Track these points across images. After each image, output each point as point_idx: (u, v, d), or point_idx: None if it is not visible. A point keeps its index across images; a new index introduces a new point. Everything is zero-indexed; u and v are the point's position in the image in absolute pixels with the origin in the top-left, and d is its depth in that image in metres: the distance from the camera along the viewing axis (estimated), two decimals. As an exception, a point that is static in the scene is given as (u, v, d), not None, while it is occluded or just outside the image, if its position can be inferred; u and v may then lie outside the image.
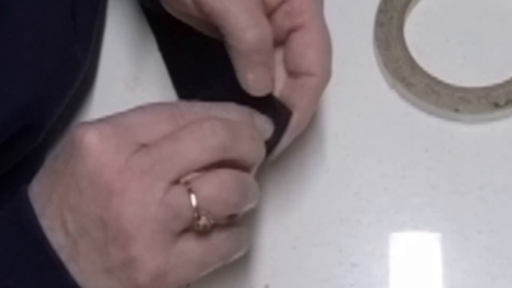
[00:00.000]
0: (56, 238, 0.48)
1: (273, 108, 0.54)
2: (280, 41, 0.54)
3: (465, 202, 0.59)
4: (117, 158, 0.47)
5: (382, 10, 0.65)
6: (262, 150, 0.51)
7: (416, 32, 0.65)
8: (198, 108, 0.51)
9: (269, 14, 0.53)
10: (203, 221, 0.47)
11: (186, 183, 0.48)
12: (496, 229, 0.58)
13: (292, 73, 0.54)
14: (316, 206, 0.60)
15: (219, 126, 0.49)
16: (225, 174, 0.48)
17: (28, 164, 0.63)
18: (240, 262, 0.58)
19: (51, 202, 0.48)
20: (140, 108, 0.50)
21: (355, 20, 0.66)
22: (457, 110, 0.61)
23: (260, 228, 0.60)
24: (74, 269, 0.48)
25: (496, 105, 0.61)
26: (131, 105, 0.66)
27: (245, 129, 0.50)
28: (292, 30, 0.53)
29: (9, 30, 0.56)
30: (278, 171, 0.62)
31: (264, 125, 0.53)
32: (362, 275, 0.58)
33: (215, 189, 0.48)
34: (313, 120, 0.63)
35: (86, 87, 0.67)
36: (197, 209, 0.47)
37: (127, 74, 0.67)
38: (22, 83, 0.56)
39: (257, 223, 0.60)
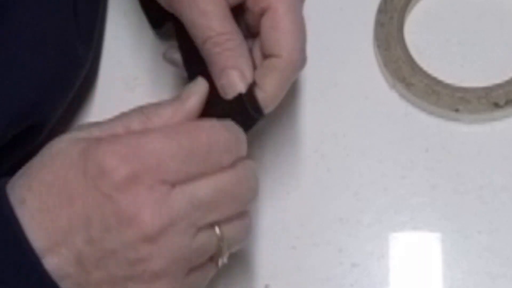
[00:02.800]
0: (65, 268, 0.47)
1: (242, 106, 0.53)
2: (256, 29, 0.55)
3: (465, 202, 0.59)
4: (152, 199, 0.47)
5: (382, 10, 0.65)
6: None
7: (416, 32, 0.65)
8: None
9: (241, 3, 0.54)
10: (221, 261, 0.50)
11: (213, 224, 0.49)
12: (496, 229, 0.58)
13: (263, 56, 0.54)
14: (316, 206, 0.60)
15: (252, 169, 0.51)
16: (247, 220, 0.51)
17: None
18: (240, 262, 0.59)
19: (60, 228, 0.47)
20: (165, 135, 0.48)
21: (355, 20, 0.66)
22: (457, 110, 0.61)
23: (260, 228, 0.60)
24: None
25: (496, 105, 0.61)
26: (131, 105, 0.66)
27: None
28: (261, 15, 0.54)
29: (11, 29, 0.56)
30: (278, 171, 0.62)
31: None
32: (362, 275, 0.58)
33: (240, 233, 0.50)
34: (313, 120, 0.63)
35: (87, 86, 0.67)
36: (220, 248, 0.49)
37: (127, 74, 0.67)
38: (25, 83, 0.56)
39: (257, 223, 0.60)
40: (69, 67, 0.61)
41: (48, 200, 0.47)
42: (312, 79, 0.64)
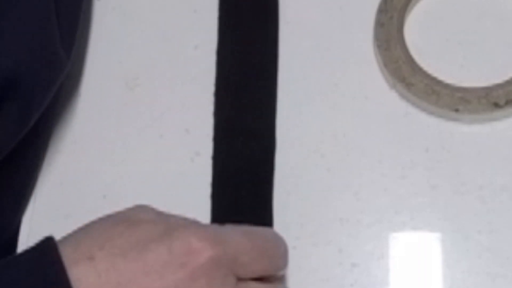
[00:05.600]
0: None
1: None
2: None
3: (465, 202, 0.59)
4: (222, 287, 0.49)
5: (382, 10, 0.65)
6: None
7: (416, 32, 0.65)
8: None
9: None
10: None
11: None
12: (496, 229, 0.58)
13: None
14: (316, 206, 0.60)
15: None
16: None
17: (28, 165, 0.63)
18: (240, 262, 0.59)
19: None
20: (243, 234, 0.52)
21: (355, 20, 0.66)
22: (457, 110, 0.61)
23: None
24: None
25: (496, 105, 0.61)
26: (131, 105, 0.66)
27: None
28: None
29: None
30: (278, 171, 0.62)
31: None
32: (362, 275, 0.58)
33: None
34: (313, 120, 0.63)
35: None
36: None
37: (127, 74, 0.67)
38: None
39: (257, 223, 0.60)
40: (49, 68, 0.60)
41: (120, 263, 0.48)
42: (312, 79, 0.64)
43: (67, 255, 0.48)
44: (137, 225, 0.50)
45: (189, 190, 0.61)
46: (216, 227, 0.52)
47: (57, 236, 0.51)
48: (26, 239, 0.62)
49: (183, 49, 0.67)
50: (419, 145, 0.61)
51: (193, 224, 0.51)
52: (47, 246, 0.49)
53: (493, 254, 0.57)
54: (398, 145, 0.61)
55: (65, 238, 0.51)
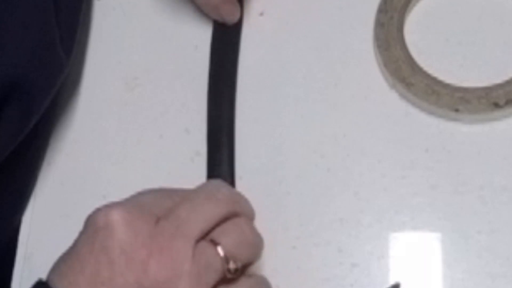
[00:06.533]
0: None
1: None
2: None
3: (465, 202, 0.59)
4: (146, 226, 0.51)
5: (382, 10, 0.65)
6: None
7: (416, 32, 0.65)
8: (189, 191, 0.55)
9: None
10: (231, 265, 0.52)
11: (210, 238, 0.52)
12: (496, 229, 0.58)
13: None
14: (316, 206, 0.60)
15: (221, 184, 0.55)
16: (240, 221, 0.53)
17: (28, 165, 0.63)
18: (240, 262, 0.59)
19: (79, 286, 0.50)
20: (146, 190, 0.55)
21: (355, 20, 0.66)
22: (457, 110, 0.61)
23: (260, 228, 0.60)
24: None
25: (496, 105, 0.61)
26: (131, 105, 0.66)
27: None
28: None
29: None
30: (278, 172, 0.62)
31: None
32: (362, 275, 0.58)
33: (236, 236, 0.53)
34: (313, 120, 0.63)
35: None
36: (225, 257, 0.52)
37: (127, 74, 0.67)
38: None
39: (257, 223, 0.60)
40: (49, 69, 0.61)
41: None
42: (312, 79, 0.64)
43: None
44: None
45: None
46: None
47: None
48: (26, 239, 0.62)
49: (183, 49, 0.67)
50: (419, 145, 0.61)
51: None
52: None
53: (493, 254, 0.57)
54: (398, 145, 0.61)
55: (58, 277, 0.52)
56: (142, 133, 0.65)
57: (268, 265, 0.59)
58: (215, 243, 0.51)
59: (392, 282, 0.57)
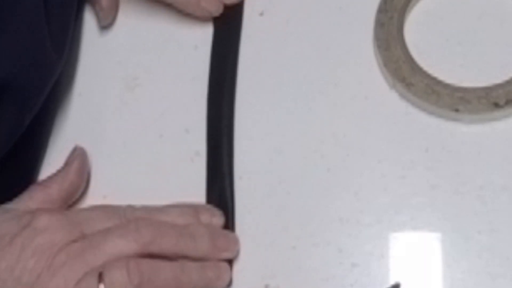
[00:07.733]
0: None
1: None
2: None
3: (465, 202, 0.59)
4: (62, 239, 0.55)
5: (382, 10, 0.65)
6: (203, 243, 0.57)
7: (416, 32, 0.65)
8: (140, 212, 0.58)
9: None
10: None
11: (100, 271, 0.54)
12: (496, 229, 0.58)
13: None
14: (316, 206, 0.60)
15: (142, 224, 0.56)
16: (131, 261, 0.55)
17: (28, 165, 0.63)
18: (240, 262, 0.59)
19: None
20: (93, 207, 0.58)
21: (355, 20, 0.66)
22: (457, 110, 0.61)
23: (260, 228, 0.60)
24: None
25: (496, 105, 0.61)
26: (131, 105, 0.66)
27: (169, 228, 0.57)
28: None
29: None
30: (278, 172, 0.62)
31: (211, 218, 0.59)
32: (362, 275, 0.58)
33: (119, 273, 0.54)
34: (313, 120, 0.63)
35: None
36: None
37: (127, 74, 0.67)
38: None
39: (257, 223, 0.60)
40: (40, 70, 0.60)
41: None
42: (312, 79, 0.64)
43: None
44: None
45: (189, 190, 0.61)
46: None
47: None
48: (26, 239, 0.62)
49: (183, 49, 0.67)
50: (419, 145, 0.61)
51: None
52: None
53: (493, 254, 0.57)
54: (398, 145, 0.61)
55: None
56: (142, 133, 0.65)
57: (268, 265, 0.59)
58: (100, 276, 0.54)
59: (392, 282, 0.57)
